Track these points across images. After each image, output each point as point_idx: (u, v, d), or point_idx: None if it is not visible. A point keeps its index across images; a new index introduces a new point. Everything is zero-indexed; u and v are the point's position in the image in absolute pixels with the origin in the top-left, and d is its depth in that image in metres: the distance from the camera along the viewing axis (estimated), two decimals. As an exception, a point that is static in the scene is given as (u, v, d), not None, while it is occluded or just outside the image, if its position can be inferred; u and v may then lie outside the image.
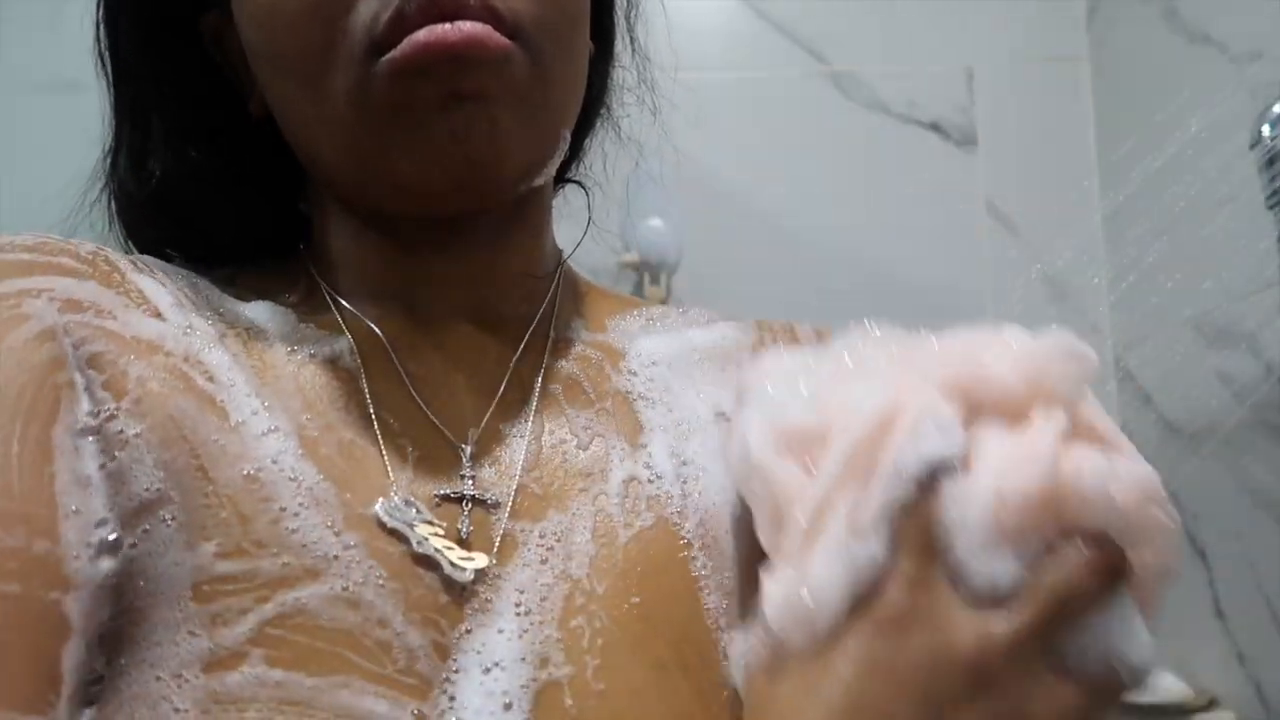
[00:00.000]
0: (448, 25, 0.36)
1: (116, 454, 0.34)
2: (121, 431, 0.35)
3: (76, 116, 0.60)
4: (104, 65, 0.46)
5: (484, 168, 0.39)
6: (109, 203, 0.47)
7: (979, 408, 0.34)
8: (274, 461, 0.36)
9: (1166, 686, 1.18)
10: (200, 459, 0.35)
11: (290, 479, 0.35)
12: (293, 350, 0.41)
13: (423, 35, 0.36)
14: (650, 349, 0.46)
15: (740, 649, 0.35)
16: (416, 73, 0.36)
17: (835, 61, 1.53)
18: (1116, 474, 0.33)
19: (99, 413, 0.35)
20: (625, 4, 0.52)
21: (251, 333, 0.41)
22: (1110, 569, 0.33)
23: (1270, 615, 1.04)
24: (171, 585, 0.33)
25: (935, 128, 1.51)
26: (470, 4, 0.36)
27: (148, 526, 0.33)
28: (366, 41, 0.37)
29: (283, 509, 0.35)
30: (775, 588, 0.33)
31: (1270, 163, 0.84)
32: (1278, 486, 1.02)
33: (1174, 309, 1.21)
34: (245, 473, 0.35)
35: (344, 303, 0.44)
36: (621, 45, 0.52)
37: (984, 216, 1.49)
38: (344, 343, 0.42)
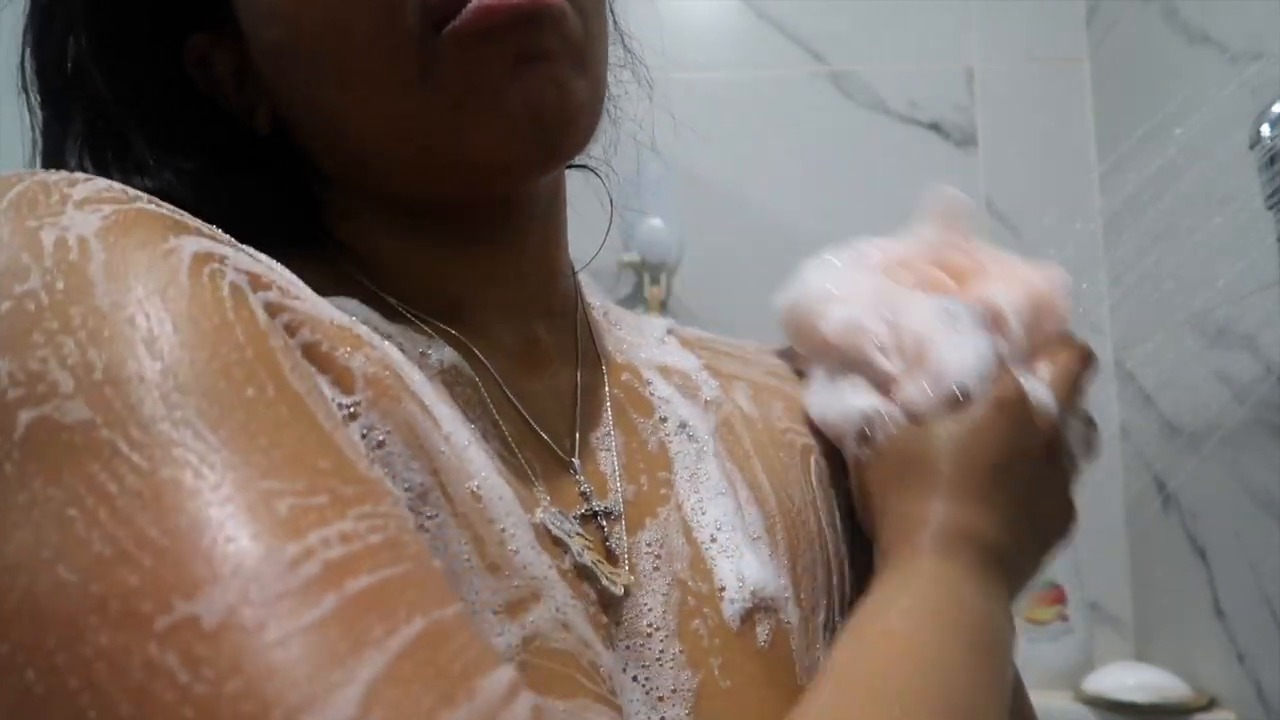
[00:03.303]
0: None
1: (370, 454, 0.30)
2: (368, 433, 0.30)
3: (77, 116, 0.59)
4: (81, 91, 0.43)
5: (556, 130, 0.38)
6: None
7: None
8: (486, 477, 0.34)
9: (1166, 686, 1.18)
10: (438, 473, 0.32)
11: (499, 497, 0.34)
12: (423, 354, 0.38)
13: None
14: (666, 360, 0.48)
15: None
16: (483, 37, 0.36)
17: (835, 61, 1.53)
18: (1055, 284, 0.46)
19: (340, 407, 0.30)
20: None
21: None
22: (1090, 355, 0.45)
23: (1270, 615, 1.04)
24: None
25: (935, 128, 1.51)
26: None
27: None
28: (424, 18, 0.36)
29: (503, 529, 0.33)
30: (913, 384, 0.42)
31: (1270, 163, 0.84)
32: (1278, 486, 1.02)
33: (1174, 309, 1.21)
34: (471, 490, 0.33)
35: (404, 310, 0.41)
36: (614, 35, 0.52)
37: (984, 216, 1.49)
38: (448, 351, 0.39)
